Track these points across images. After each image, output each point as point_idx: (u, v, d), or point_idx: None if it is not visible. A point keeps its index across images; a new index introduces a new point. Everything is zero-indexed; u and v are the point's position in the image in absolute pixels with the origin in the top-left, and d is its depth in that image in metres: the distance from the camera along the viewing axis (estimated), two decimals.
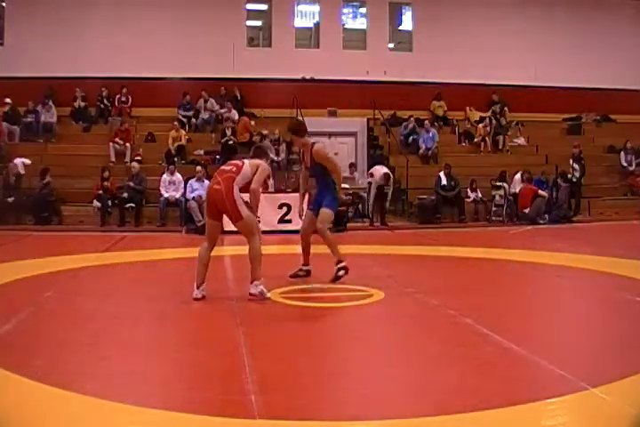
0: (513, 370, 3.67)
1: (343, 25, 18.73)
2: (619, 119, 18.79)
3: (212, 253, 5.78)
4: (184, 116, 16.44)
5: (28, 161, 13.64)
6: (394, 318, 5.26)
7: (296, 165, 15.00)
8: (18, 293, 6.02)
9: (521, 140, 17.64)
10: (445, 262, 8.50)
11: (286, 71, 17.26)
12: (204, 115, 16.58)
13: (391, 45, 19.02)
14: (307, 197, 7.09)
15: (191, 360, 3.92)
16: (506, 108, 17.87)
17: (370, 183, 13.79)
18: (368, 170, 14.79)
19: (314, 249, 6.70)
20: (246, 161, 5.83)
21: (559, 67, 18.26)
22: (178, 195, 12.98)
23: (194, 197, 12.60)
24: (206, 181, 12.94)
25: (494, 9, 18.47)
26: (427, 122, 16.55)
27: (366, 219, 13.92)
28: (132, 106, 16.70)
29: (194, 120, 16.54)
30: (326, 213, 6.46)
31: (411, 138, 16.63)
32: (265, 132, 15.62)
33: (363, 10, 18.87)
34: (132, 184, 13.21)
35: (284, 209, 12.27)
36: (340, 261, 6.42)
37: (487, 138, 17.00)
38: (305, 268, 6.64)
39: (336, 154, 17.93)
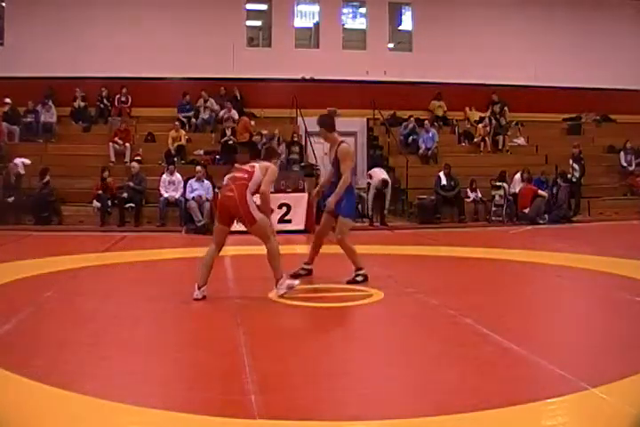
0: (513, 370, 3.67)
1: (343, 25, 18.72)
2: (619, 119, 18.78)
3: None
4: (184, 117, 16.45)
5: (27, 161, 13.64)
6: (394, 318, 5.26)
7: (296, 165, 15.01)
8: (18, 293, 6.02)
9: (521, 140, 17.64)
10: (445, 262, 8.49)
11: (286, 71, 17.26)
12: (204, 115, 16.58)
13: (391, 45, 19.02)
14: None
15: (191, 360, 3.92)
16: (506, 108, 17.86)
17: (369, 184, 13.80)
18: (368, 170, 14.79)
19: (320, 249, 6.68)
20: (257, 165, 5.84)
21: (559, 67, 18.26)
22: (177, 195, 12.97)
23: (193, 197, 12.60)
24: (206, 181, 12.97)
25: (494, 9, 18.47)
26: (426, 122, 16.55)
27: (366, 219, 13.92)
28: (131, 106, 16.70)
29: (194, 120, 16.54)
30: (344, 223, 6.43)
31: (410, 138, 16.63)
32: (265, 132, 15.62)
33: (362, 10, 18.87)
34: (131, 184, 13.20)
35: (284, 209, 12.28)
36: (359, 269, 6.43)
37: (487, 138, 17.00)
38: (307, 267, 6.63)
39: None
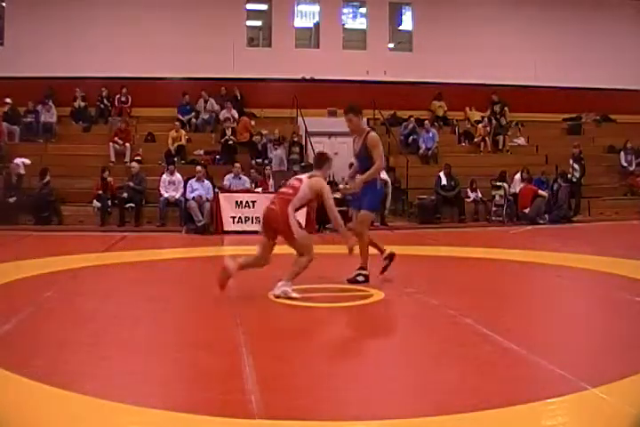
0: (513, 370, 3.67)
1: (343, 25, 18.74)
2: (619, 119, 18.80)
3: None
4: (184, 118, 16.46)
5: (27, 161, 13.64)
6: (394, 318, 5.26)
7: (296, 165, 15.00)
8: (18, 293, 6.02)
9: (521, 141, 17.65)
10: (445, 262, 8.49)
11: (286, 71, 17.27)
12: (204, 115, 16.58)
13: (391, 45, 19.03)
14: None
15: (191, 360, 3.92)
16: (506, 108, 17.88)
17: None
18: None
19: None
20: (305, 180, 5.84)
21: (559, 67, 18.27)
22: (178, 195, 12.97)
23: (194, 197, 12.60)
24: (206, 181, 12.98)
25: (494, 9, 18.49)
26: (427, 122, 16.56)
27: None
28: (131, 106, 16.71)
29: (194, 120, 16.55)
30: (366, 215, 6.40)
31: (411, 138, 16.64)
32: (265, 132, 15.63)
33: (363, 10, 18.88)
34: (131, 184, 13.21)
35: None
36: (362, 268, 6.36)
37: (487, 138, 17.01)
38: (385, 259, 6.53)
39: (336, 154, 17.93)
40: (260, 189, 12.99)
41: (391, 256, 6.58)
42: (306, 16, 18.76)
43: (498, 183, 14.67)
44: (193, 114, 16.57)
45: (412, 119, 16.89)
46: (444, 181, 14.29)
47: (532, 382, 3.45)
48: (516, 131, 17.84)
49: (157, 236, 11.95)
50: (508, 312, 5.38)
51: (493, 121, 17.42)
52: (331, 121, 17.40)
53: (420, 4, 18.60)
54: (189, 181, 12.98)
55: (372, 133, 6.46)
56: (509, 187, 14.60)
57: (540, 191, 14.17)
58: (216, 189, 12.77)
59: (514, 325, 4.82)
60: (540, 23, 18.59)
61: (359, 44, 18.60)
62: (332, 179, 14.95)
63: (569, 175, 15.21)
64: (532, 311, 5.36)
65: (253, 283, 6.26)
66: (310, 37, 18.72)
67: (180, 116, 16.35)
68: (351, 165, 16.50)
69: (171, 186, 13.11)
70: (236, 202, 12.38)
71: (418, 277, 7.14)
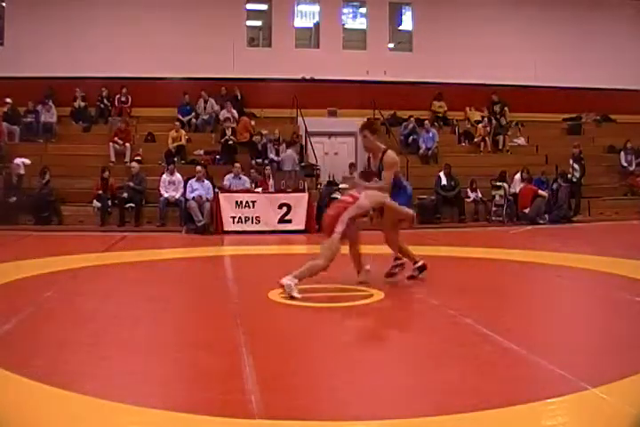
0: (513, 370, 3.67)
1: (343, 25, 18.73)
2: (619, 119, 18.80)
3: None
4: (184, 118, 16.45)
5: (27, 161, 13.65)
6: (394, 318, 5.26)
7: (296, 165, 15.00)
8: (18, 293, 6.02)
9: (521, 141, 17.65)
10: (445, 262, 8.48)
11: (286, 71, 17.27)
12: (204, 115, 16.58)
13: (391, 45, 19.02)
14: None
15: (191, 360, 3.91)
16: (506, 108, 17.89)
17: None
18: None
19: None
20: (363, 193, 6.06)
21: (559, 67, 18.27)
22: (178, 195, 12.97)
23: (193, 197, 12.60)
24: (206, 181, 12.98)
25: (494, 9, 18.49)
26: (427, 122, 16.56)
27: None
28: (131, 106, 16.71)
29: (194, 120, 16.55)
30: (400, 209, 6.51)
31: (411, 138, 16.64)
32: (265, 132, 15.63)
33: (363, 10, 18.88)
34: (131, 184, 13.21)
35: (284, 209, 12.29)
36: (397, 258, 6.51)
37: (487, 138, 17.01)
38: (417, 264, 6.62)
39: (336, 154, 17.95)
40: (260, 189, 12.99)
41: (402, 265, 6.64)
42: (306, 16, 18.75)
43: (498, 183, 14.67)
44: (193, 114, 16.57)
45: (411, 119, 16.89)
46: (444, 181, 14.30)
47: (532, 382, 3.45)
48: (515, 131, 17.84)
49: (157, 236, 11.95)
50: (507, 312, 5.38)
51: (493, 121, 17.43)
52: (331, 121, 17.42)
53: (420, 4, 18.60)
54: (189, 181, 12.99)
55: (389, 153, 6.35)
56: (509, 187, 14.60)
57: (540, 191, 14.17)
58: (216, 189, 12.77)
59: (514, 325, 4.81)
60: (539, 23, 18.59)
61: (359, 44, 18.60)
62: (332, 179, 14.99)
63: (569, 175, 15.21)
64: (532, 311, 5.36)
65: (253, 283, 6.27)
66: (310, 37, 18.72)
67: (180, 116, 16.35)
68: (351, 165, 16.63)
69: (171, 186, 13.11)
70: (236, 202, 12.39)
71: (418, 277, 7.13)
